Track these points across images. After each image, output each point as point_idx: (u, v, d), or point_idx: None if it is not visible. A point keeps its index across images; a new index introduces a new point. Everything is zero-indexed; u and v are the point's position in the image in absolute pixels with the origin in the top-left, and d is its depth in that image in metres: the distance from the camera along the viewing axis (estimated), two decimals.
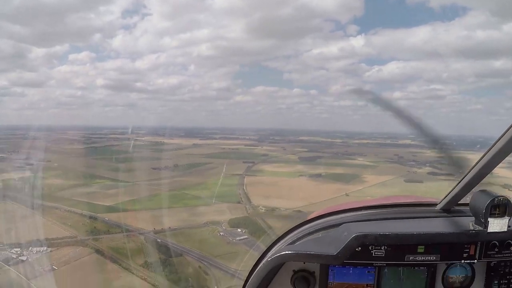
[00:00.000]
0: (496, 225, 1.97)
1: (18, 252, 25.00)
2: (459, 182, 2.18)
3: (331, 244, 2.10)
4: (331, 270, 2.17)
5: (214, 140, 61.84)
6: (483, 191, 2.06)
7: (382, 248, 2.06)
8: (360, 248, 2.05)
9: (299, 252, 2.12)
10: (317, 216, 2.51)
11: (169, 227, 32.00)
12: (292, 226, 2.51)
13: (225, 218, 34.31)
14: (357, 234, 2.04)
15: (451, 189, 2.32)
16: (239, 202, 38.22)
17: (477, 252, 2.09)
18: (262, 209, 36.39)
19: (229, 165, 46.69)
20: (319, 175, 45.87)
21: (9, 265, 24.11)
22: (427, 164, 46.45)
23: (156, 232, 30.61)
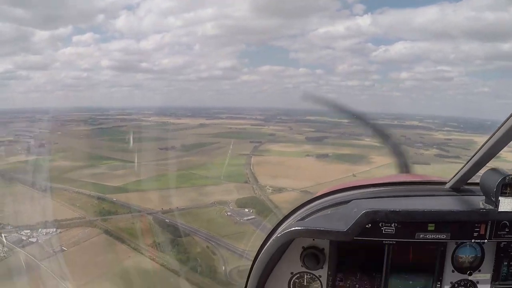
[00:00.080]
0: (507, 204, 1.95)
1: (28, 234, 25.41)
2: (469, 161, 2.12)
3: (341, 220, 2.07)
4: (341, 247, 2.17)
5: (221, 119, 61.72)
6: (494, 169, 2.03)
7: (392, 225, 2.04)
8: (370, 225, 2.02)
9: (309, 228, 2.09)
10: (325, 193, 2.48)
11: (177, 207, 32.30)
12: (301, 203, 2.48)
13: (232, 198, 34.52)
14: (367, 210, 2.01)
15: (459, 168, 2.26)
16: (246, 182, 38.39)
17: (488, 231, 2.06)
18: (269, 189, 36.48)
19: (236, 145, 46.65)
20: (326, 155, 45.87)
21: (19, 247, 24.53)
22: (434, 146, 46.20)
23: (164, 212, 30.88)
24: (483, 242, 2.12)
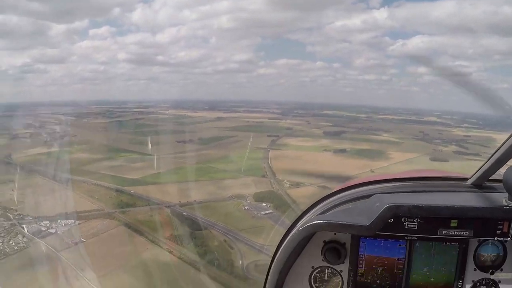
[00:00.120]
0: None
1: (48, 224, 25.63)
2: (490, 157, 2.11)
3: (362, 214, 2.06)
4: (362, 242, 2.15)
5: (238, 113, 61.78)
6: None
7: (415, 220, 2.02)
8: (392, 219, 2.01)
9: (331, 221, 2.07)
10: (345, 187, 2.46)
11: (195, 200, 32.27)
12: (320, 197, 2.47)
13: (250, 192, 34.39)
14: (390, 204, 1.99)
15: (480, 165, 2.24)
16: (263, 176, 38.23)
17: (511, 229, 2.03)
18: (286, 183, 36.19)
19: (253, 139, 46.45)
20: (343, 150, 45.44)
21: (39, 238, 24.77)
22: (453, 143, 45.35)
23: (181, 205, 30.93)
24: (506, 240, 2.09)
